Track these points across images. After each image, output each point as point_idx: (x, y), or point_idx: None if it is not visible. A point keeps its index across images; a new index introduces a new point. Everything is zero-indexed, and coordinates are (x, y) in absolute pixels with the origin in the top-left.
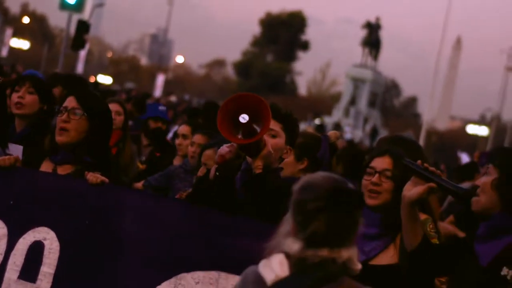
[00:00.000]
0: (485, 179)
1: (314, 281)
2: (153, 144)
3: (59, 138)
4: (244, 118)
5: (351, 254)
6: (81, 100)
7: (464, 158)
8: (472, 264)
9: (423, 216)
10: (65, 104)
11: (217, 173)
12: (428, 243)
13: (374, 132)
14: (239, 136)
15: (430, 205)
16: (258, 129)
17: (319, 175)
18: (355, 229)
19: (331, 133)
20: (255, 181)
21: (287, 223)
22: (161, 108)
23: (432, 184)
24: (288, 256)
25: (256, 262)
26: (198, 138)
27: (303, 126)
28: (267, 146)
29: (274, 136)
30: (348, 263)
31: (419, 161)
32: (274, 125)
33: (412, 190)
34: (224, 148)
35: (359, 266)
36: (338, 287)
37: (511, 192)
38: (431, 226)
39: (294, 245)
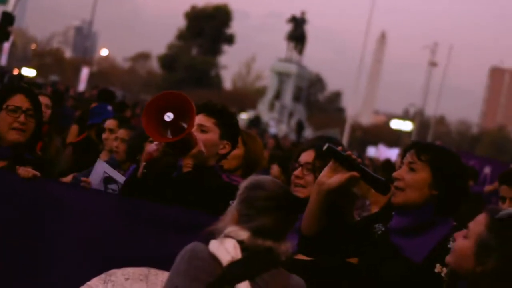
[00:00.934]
0: (413, 176)
1: (263, 265)
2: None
3: (16, 137)
4: (169, 116)
5: (287, 247)
6: (33, 100)
7: (383, 150)
8: (397, 257)
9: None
10: (18, 104)
11: (145, 171)
12: (326, 231)
13: (299, 127)
14: (169, 135)
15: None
16: (185, 126)
17: (267, 178)
18: (291, 227)
19: None
20: (182, 179)
21: (230, 213)
22: (109, 108)
23: (355, 173)
24: (238, 242)
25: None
26: (122, 133)
27: None
28: (199, 145)
29: (205, 132)
30: (283, 255)
31: (339, 148)
32: (205, 121)
33: (332, 177)
34: (152, 146)
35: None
36: (277, 273)
37: (445, 192)
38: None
39: (242, 233)
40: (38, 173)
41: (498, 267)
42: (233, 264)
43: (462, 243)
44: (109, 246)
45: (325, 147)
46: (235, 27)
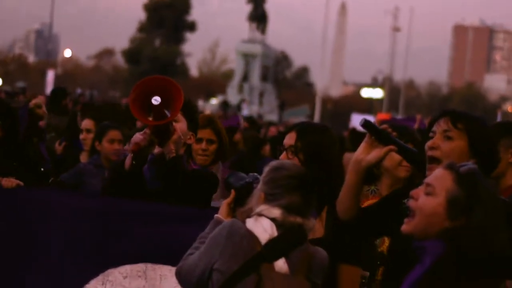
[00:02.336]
0: (450, 144)
1: (296, 241)
2: None
3: None
4: (156, 100)
5: (313, 223)
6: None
7: (356, 118)
8: None
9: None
10: None
11: (134, 162)
12: (361, 213)
13: (282, 106)
14: (150, 118)
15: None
16: (168, 113)
17: (287, 161)
18: (314, 205)
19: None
20: (173, 164)
21: (255, 195)
22: None
23: (393, 147)
24: (271, 219)
25: (183, 248)
26: (88, 123)
27: (200, 107)
28: (177, 131)
29: (175, 121)
30: (309, 231)
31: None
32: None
33: (371, 153)
34: (138, 136)
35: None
36: (305, 248)
37: (482, 159)
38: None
39: (274, 211)
40: (21, 183)
41: (475, 221)
42: (271, 241)
43: (429, 201)
44: (103, 246)
45: (361, 122)
46: (195, 14)
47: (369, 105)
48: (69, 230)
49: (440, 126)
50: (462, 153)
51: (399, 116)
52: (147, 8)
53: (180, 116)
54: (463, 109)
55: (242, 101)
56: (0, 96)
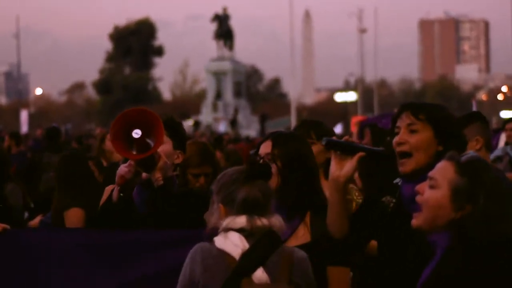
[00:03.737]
0: (417, 137)
1: (270, 247)
2: None
3: None
4: (137, 133)
5: (281, 223)
6: None
7: (338, 128)
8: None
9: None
10: None
11: (121, 194)
12: (354, 227)
13: (263, 119)
14: (134, 152)
15: None
16: (151, 142)
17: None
18: (271, 197)
19: None
20: (160, 192)
21: (215, 211)
22: None
23: (361, 153)
24: (239, 231)
25: (174, 270)
26: None
27: None
28: (162, 157)
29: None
30: (280, 231)
31: (333, 137)
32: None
33: (344, 168)
34: (123, 168)
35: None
36: (282, 251)
37: (449, 145)
38: (356, 193)
39: (238, 220)
40: (7, 226)
41: (480, 207)
42: (245, 255)
43: (433, 194)
44: (97, 280)
45: (324, 142)
46: (161, 38)
47: (344, 109)
48: (62, 269)
49: (403, 121)
50: (429, 143)
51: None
52: (113, 37)
53: (164, 137)
54: (438, 102)
55: (215, 120)
56: None
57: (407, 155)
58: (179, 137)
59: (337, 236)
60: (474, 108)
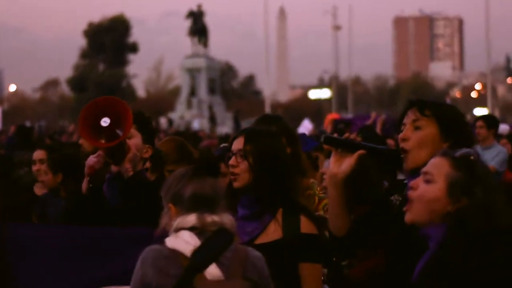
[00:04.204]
0: (420, 133)
1: (222, 243)
2: None
3: None
4: (105, 121)
5: (232, 221)
6: None
7: (306, 124)
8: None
9: (307, 181)
10: None
11: (90, 185)
12: (356, 226)
13: (237, 115)
14: (102, 141)
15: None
16: (120, 133)
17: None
18: (221, 193)
19: None
20: (132, 182)
21: (166, 212)
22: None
23: (362, 151)
24: (190, 229)
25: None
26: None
27: None
28: (132, 148)
29: (129, 138)
30: (233, 229)
31: (335, 134)
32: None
33: (343, 164)
34: (92, 159)
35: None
36: (235, 248)
37: (455, 141)
38: (318, 188)
39: (188, 219)
40: None
41: (477, 198)
42: (197, 251)
43: (429, 188)
44: (63, 276)
45: (322, 139)
46: (135, 35)
47: (318, 106)
48: (31, 263)
49: (409, 117)
50: (434, 139)
51: (349, 114)
52: (87, 34)
53: (134, 131)
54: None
55: (182, 118)
56: None
57: (408, 151)
58: (148, 132)
59: (336, 233)
60: None
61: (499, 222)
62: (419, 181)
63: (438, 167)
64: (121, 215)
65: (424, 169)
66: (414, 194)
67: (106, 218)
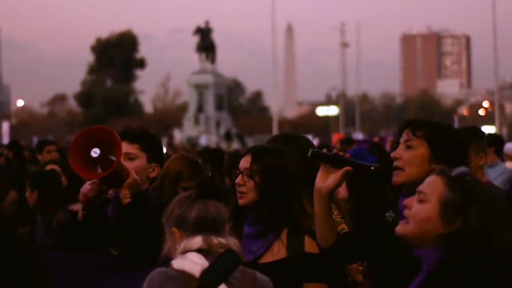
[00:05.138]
0: (411, 153)
1: (230, 264)
2: None
3: None
4: (95, 152)
5: (237, 244)
6: None
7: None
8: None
9: None
10: None
11: (85, 212)
12: (343, 238)
13: (240, 137)
14: (99, 171)
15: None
16: (114, 158)
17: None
18: (226, 216)
19: None
20: (126, 211)
21: (169, 236)
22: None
23: (348, 167)
24: (197, 251)
25: None
26: None
27: None
28: (131, 173)
29: (132, 159)
30: (239, 251)
31: (324, 150)
32: (130, 148)
33: (328, 179)
34: (86, 186)
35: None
36: (243, 270)
37: (445, 164)
38: (335, 212)
39: (194, 241)
40: None
41: (472, 220)
42: (206, 271)
43: (422, 207)
44: None
45: (310, 154)
46: (143, 51)
47: (326, 123)
48: None
49: (403, 137)
50: (423, 159)
51: (357, 132)
52: (95, 49)
53: (137, 152)
54: (419, 116)
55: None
56: None
57: (400, 169)
58: (154, 150)
59: (321, 244)
60: (456, 123)
61: (496, 244)
62: (413, 200)
63: (432, 186)
64: (121, 238)
65: (419, 187)
66: (408, 214)
67: (106, 241)
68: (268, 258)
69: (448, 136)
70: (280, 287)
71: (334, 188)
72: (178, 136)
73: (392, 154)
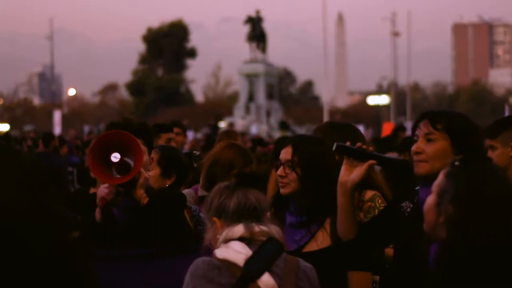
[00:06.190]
0: (433, 146)
1: (273, 252)
2: None
3: None
4: (116, 157)
5: (279, 232)
6: None
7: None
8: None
9: (370, 193)
10: None
11: (104, 215)
12: (365, 230)
13: (284, 126)
14: (115, 174)
15: (375, 181)
16: (130, 162)
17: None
18: (265, 204)
19: None
20: (149, 209)
21: (210, 226)
22: None
23: (372, 161)
24: (240, 240)
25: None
26: None
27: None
28: (142, 173)
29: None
30: (281, 239)
31: (348, 142)
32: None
33: (352, 173)
34: (103, 190)
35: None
36: (286, 258)
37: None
38: (379, 200)
39: (236, 229)
40: None
41: (457, 211)
42: (249, 260)
43: (428, 199)
44: None
45: (334, 147)
46: (194, 40)
47: (377, 113)
48: None
49: (421, 130)
50: (445, 152)
51: (408, 121)
52: (146, 39)
53: (144, 148)
54: (471, 106)
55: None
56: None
57: (424, 162)
58: (149, 142)
59: (342, 237)
60: (507, 113)
61: (477, 237)
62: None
63: (439, 177)
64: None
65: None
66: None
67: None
68: (312, 247)
69: (468, 129)
70: (324, 276)
71: (358, 182)
72: (240, 123)
73: (414, 148)
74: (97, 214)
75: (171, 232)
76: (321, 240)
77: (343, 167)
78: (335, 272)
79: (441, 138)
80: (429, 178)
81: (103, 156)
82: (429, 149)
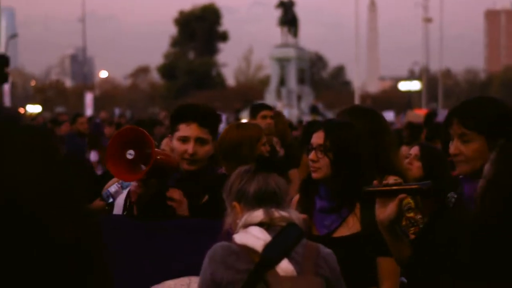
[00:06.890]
0: (470, 147)
1: (293, 238)
2: None
3: None
4: (130, 154)
5: (299, 217)
6: None
7: (389, 116)
8: None
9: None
10: None
11: (139, 208)
12: (419, 251)
13: (314, 109)
14: (142, 167)
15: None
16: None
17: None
18: (286, 189)
19: None
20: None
21: (230, 211)
22: None
23: (402, 195)
24: (259, 225)
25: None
26: None
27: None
28: (172, 158)
29: (204, 144)
30: (301, 225)
31: (375, 182)
32: (202, 133)
33: (386, 211)
34: (133, 184)
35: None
36: (306, 244)
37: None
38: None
39: (255, 214)
40: None
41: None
42: (268, 246)
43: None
44: (142, 264)
45: (362, 194)
46: (226, 24)
47: (408, 98)
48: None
49: (454, 130)
50: (482, 151)
51: (440, 107)
52: (178, 22)
53: (208, 137)
54: (503, 93)
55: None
56: (40, 122)
57: (463, 162)
58: (216, 130)
59: (400, 265)
60: None
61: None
62: None
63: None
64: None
65: None
66: None
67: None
68: (343, 232)
69: (498, 115)
70: (354, 261)
71: (395, 218)
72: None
73: (452, 150)
74: (134, 210)
75: None
76: (352, 225)
77: (377, 206)
78: (365, 257)
79: (476, 137)
80: (472, 175)
81: (121, 157)
82: (467, 151)
